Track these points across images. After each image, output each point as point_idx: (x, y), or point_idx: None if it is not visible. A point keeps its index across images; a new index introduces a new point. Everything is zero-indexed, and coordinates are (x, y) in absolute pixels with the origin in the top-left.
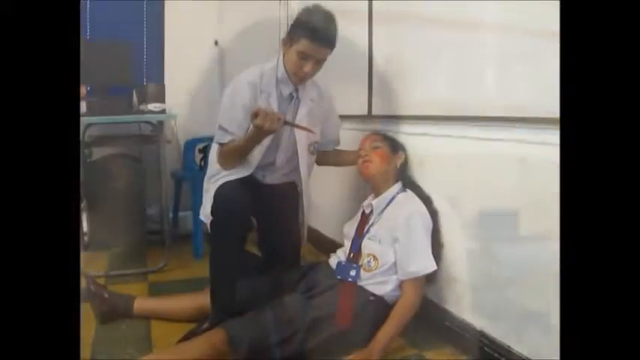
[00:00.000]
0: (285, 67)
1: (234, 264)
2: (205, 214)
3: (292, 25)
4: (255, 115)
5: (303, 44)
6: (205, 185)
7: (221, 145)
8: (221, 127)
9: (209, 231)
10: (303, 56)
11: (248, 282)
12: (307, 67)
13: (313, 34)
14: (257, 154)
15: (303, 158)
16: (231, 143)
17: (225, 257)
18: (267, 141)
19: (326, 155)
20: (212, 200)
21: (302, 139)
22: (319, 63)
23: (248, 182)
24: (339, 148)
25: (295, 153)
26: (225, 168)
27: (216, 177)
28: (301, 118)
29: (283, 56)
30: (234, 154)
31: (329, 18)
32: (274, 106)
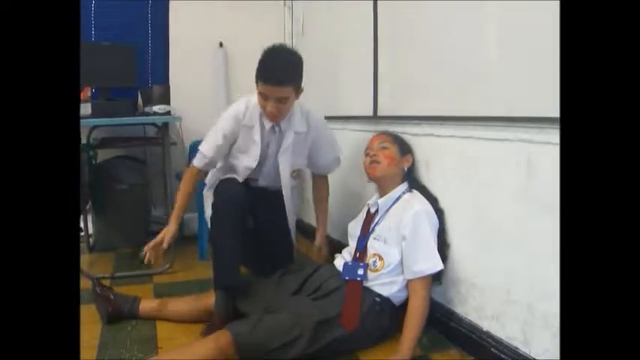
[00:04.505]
0: None
1: (236, 241)
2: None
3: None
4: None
5: (260, 85)
6: (206, 193)
7: (194, 167)
8: (200, 152)
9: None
10: (264, 96)
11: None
12: (269, 107)
13: (265, 76)
14: (242, 172)
15: (286, 182)
16: (187, 180)
17: (226, 235)
18: (250, 164)
19: (317, 179)
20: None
21: (285, 168)
22: (282, 102)
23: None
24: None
25: (277, 176)
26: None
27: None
28: (286, 147)
29: None
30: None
31: (283, 57)
32: (256, 138)
